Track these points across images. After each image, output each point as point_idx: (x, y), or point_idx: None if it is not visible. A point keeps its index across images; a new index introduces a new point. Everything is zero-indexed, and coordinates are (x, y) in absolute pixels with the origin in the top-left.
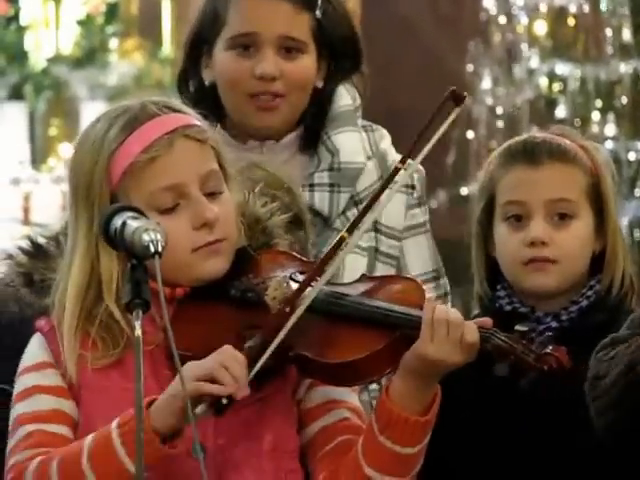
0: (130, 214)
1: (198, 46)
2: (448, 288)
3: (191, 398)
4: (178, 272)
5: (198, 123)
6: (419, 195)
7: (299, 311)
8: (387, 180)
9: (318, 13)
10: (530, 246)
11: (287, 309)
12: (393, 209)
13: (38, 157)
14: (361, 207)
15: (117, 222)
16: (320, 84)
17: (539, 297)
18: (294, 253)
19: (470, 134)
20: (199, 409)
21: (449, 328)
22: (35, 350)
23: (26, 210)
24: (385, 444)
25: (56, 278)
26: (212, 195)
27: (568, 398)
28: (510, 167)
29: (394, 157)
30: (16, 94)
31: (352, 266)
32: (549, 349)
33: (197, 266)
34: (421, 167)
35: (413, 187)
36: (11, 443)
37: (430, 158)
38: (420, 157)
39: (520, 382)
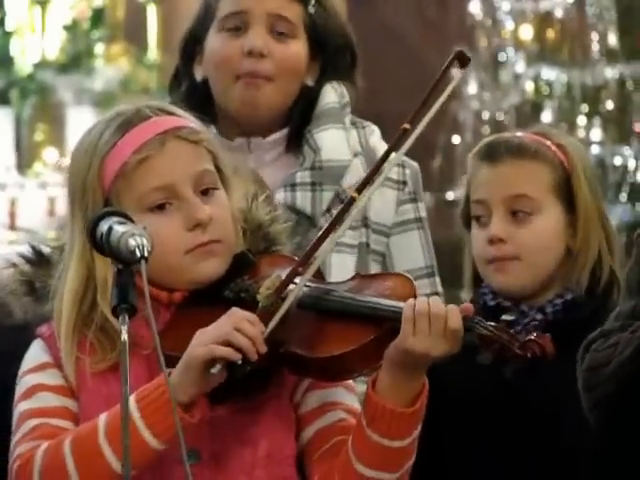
0: (116, 219)
1: (191, 46)
2: (440, 288)
3: (205, 362)
4: (172, 275)
5: (192, 125)
6: (411, 191)
7: (287, 302)
8: (346, 205)
9: (311, 9)
10: (490, 244)
11: (274, 303)
12: (382, 205)
13: (24, 162)
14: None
15: (103, 227)
16: (311, 83)
17: (509, 297)
18: (293, 256)
19: (456, 139)
20: (215, 369)
21: (431, 320)
22: (36, 353)
23: (12, 215)
24: (372, 438)
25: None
26: (205, 194)
27: (552, 393)
28: (478, 167)
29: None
30: (2, 99)
31: (340, 265)
32: (533, 336)
33: (190, 268)
34: (415, 164)
35: (404, 183)
36: (16, 437)
37: (416, 162)
38: (422, 124)
39: (504, 371)
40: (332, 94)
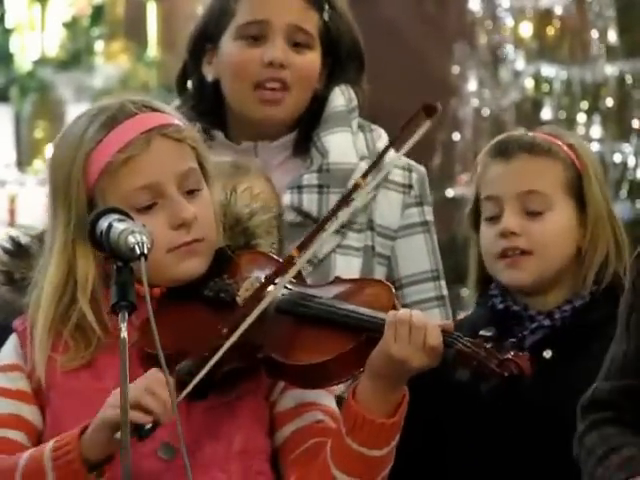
0: (116, 216)
1: (201, 43)
2: (445, 291)
3: (116, 424)
4: (153, 272)
5: (176, 122)
6: (417, 194)
7: (262, 305)
8: (346, 195)
9: (326, 16)
10: (502, 237)
11: (246, 309)
12: (388, 208)
13: (24, 159)
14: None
15: (103, 224)
16: (319, 87)
17: (520, 293)
18: (272, 255)
19: (456, 136)
20: (117, 434)
21: (411, 329)
22: (7, 351)
23: (12, 212)
24: (352, 446)
25: (35, 276)
26: (190, 194)
27: (555, 398)
28: (489, 165)
29: (391, 156)
30: (1, 96)
31: (345, 267)
32: (510, 355)
33: (172, 266)
34: (422, 168)
35: (410, 186)
36: None
37: (416, 160)
38: (384, 172)
39: (481, 388)
40: (340, 98)
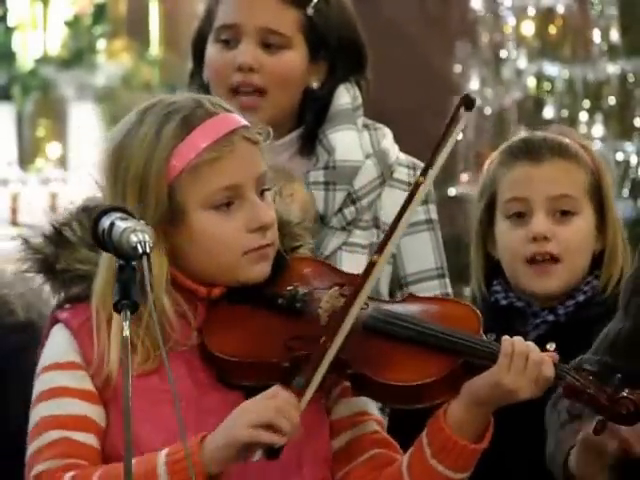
0: (119, 215)
1: (200, 46)
2: (450, 289)
3: (247, 445)
4: (224, 272)
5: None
6: None
7: (348, 322)
8: (410, 196)
9: (310, 11)
10: (532, 242)
11: (332, 327)
12: (393, 206)
13: (26, 158)
14: (386, 227)
15: (105, 223)
16: (316, 84)
17: (539, 299)
18: (329, 263)
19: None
20: (256, 456)
21: (528, 361)
22: (63, 347)
23: (14, 211)
24: (437, 468)
25: (81, 268)
26: (262, 196)
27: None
28: (512, 165)
29: (396, 155)
30: (4, 95)
31: (351, 264)
32: (625, 392)
33: (245, 269)
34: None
35: None
36: (34, 446)
37: (418, 159)
38: (437, 167)
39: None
40: (345, 96)
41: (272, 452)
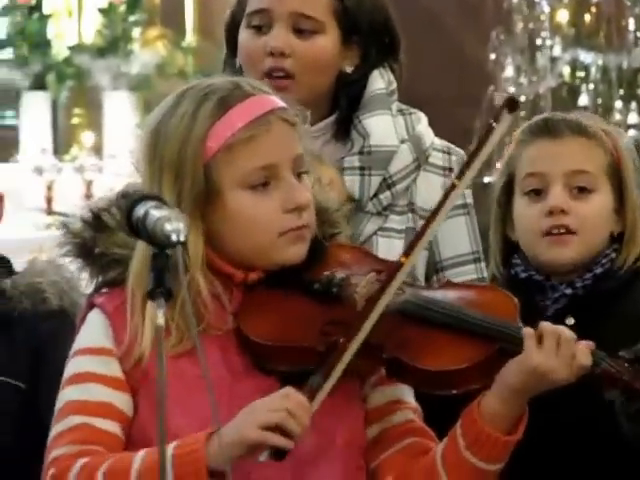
0: (153, 203)
1: (233, 31)
2: (486, 273)
3: (255, 445)
4: (259, 254)
5: (287, 106)
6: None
7: (380, 305)
8: (444, 195)
9: None
10: (549, 215)
11: (368, 307)
12: (428, 191)
13: (61, 146)
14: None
15: (139, 211)
16: (349, 69)
17: (555, 271)
18: (367, 249)
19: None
20: (262, 457)
21: (560, 341)
22: (96, 332)
23: (49, 199)
24: (470, 460)
25: (118, 252)
26: (299, 179)
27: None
28: (531, 142)
29: (431, 140)
30: (39, 83)
31: (387, 249)
32: None
33: (281, 250)
34: (461, 151)
35: (450, 169)
36: (56, 429)
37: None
38: (474, 170)
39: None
40: (380, 81)
41: (278, 454)
